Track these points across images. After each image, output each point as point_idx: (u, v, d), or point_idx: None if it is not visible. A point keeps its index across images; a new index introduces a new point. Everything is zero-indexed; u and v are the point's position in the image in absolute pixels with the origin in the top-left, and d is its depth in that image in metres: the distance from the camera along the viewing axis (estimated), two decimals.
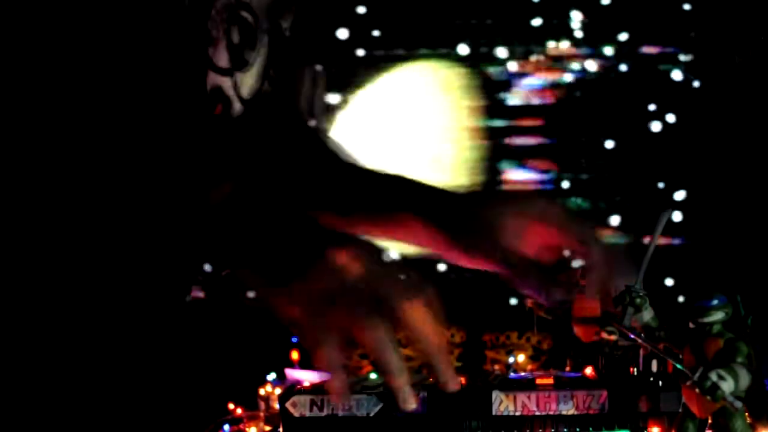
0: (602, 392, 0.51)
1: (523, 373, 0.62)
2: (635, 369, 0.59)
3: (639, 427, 0.50)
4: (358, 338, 0.54)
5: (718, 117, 1.99)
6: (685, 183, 2.00)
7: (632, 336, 0.50)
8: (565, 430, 0.51)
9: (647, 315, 0.49)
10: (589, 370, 0.58)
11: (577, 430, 0.51)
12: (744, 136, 1.93)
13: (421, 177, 0.61)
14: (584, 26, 2.05)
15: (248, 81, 0.69)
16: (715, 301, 0.45)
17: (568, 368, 0.67)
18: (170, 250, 0.63)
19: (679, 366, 0.46)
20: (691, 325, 0.46)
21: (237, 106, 0.68)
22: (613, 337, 0.62)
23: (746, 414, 0.45)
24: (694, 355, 0.45)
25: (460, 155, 1.97)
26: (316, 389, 0.55)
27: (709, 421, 0.45)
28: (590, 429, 0.51)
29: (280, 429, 0.54)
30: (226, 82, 0.66)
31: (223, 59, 0.65)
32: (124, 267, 0.65)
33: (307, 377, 0.60)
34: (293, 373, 0.62)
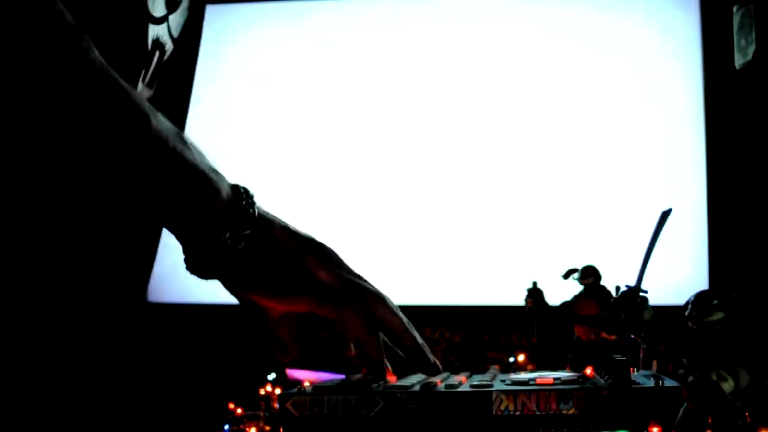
0: (602, 392, 0.51)
1: (523, 373, 0.62)
2: (635, 369, 0.59)
3: (639, 427, 0.50)
4: (382, 318, 0.60)
5: (716, 116, 1.99)
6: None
7: (632, 336, 0.50)
8: (565, 430, 0.51)
9: (647, 315, 0.49)
10: (589, 370, 0.58)
11: (577, 430, 0.51)
12: (742, 136, 1.93)
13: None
14: None
15: (178, 19, 0.68)
16: (716, 301, 0.45)
17: (568, 368, 0.67)
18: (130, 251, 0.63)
19: (678, 366, 0.46)
20: (691, 325, 0.46)
21: (169, 46, 0.68)
22: (613, 337, 0.62)
23: (746, 414, 0.45)
24: (694, 355, 0.45)
25: None
26: (316, 389, 0.55)
27: (709, 420, 0.45)
28: (590, 429, 0.51)
29: (280, 429, 0.54)
30: (161, 30, 0.65)
31: (159, 7, 0.64)
32: (103, 270, 0.65)
33: (307, 377, 0.60)
34: (293, 373, 0.62)
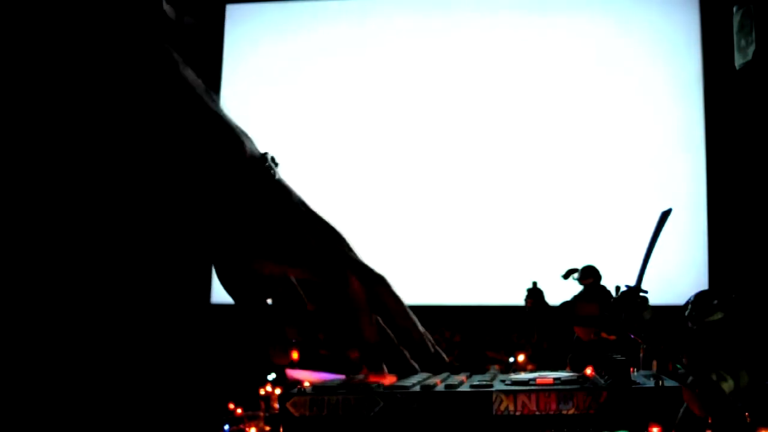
0: (602, 392, 0.51)
1: (523, 373, 0.62)
2: (635, 369, 0.59)
3: (639, 427, 0.50)
4: (384, 299, 0.60)
5: (715, 117, 1.99)
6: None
7: (632, 336, 0.50)
8: (565, 430, 0.51)
9: (647, 315, 0.49)
10: (589, 370, 0.58)
11: (577, 430, 0.51)
12: (742, 136, 1.93)
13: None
14: None
15: None
16: (716, 301, 0.45)
17: (568, 368, 0.67)
18: (167, 252, 0.63)
19: (678, 366, 0.46)
20: (691, 325, 0.46)
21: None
22: (613, 337, 0.62)
23: (746, 414, 0.45)
24: (694, 355, 0.45)
25: None
26: (316, 389, 0.55)
27: (709, 420, 0.45)
28: (590, 429, 0.51)
29: (280, 429, 0.54)
30: (168, 8, 0.66)
31: None
32: (125, 270, 0.65)
33: (307, 377, 0.60)
34: (293, 373, 0.62)
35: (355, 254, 0.62)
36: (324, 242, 0.60)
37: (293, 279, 0.59)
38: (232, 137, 0.57)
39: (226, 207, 0.56)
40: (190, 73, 0.55)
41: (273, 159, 0.60)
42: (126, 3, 0.52)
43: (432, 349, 0.63)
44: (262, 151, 0.60)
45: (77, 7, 0.49)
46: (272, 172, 0.59)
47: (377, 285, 0.60)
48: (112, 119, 0.52)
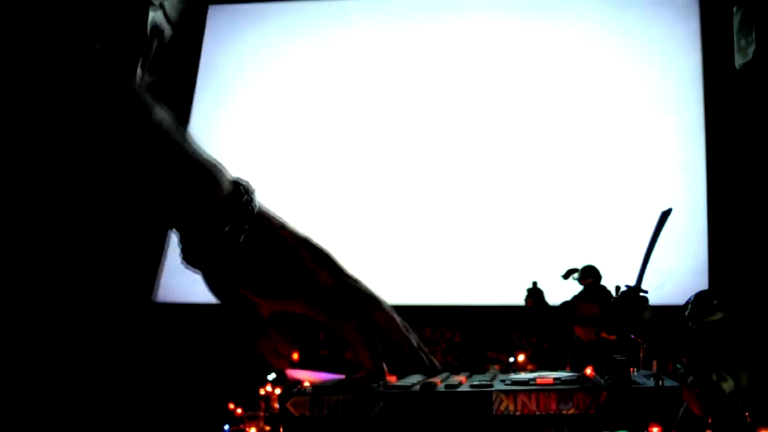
0: (602, 392, 0.51)
1: (523, 373, 0.62)
2: (635, 369, 0.59)
3: (639, 427, 0.50)
4: (378, 322, 0.60)
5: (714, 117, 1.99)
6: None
7: (632, 336, 0.50)
8: (565, 430, 0.51)
9: (647, 315, 0.49)
10: (589, 370, 0.58)
11: (577, 430, 0.51)
12: (742, 136, 1.93)
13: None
14: None
15: (174, 2, 0.67)
16: (716, 301, 0.45)
17: (568, 368, 0.67)
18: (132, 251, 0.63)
19: (679, 366, 0.46)
20: (691, 325, 0.46)
21: (167, 31, 0.67)
22: (613, 337, 0.62)
23: (746, 414, 0.45)
24: (694, 355, 0.45)
25: None
26: (316, 389, 0.55)
27: (709, 421, 0.45)
28: (590, 429, 0.51)
29: (280, 429, 0.54)
30: (158, 15, 0.65)
31: None
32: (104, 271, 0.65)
33: (307, 377, 0.60)
34: (293, 373, 0.62)
35: (345, 275, 0.62)
36: (315, 269, 0.60)
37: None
38: (209, 179, 0.56)
39: (205, 248, 0.56)
40: (162, 116, 0.53)
41: (246, 189, 0.59)
42: (101, 49, 0.50)
43: (427, 361, 0.63)
44: (235, 177, 0.59)
45: (51, 55, 0.47)
46: (251, 206, 0.58)
47: (370, 306, 0.61)
48: (87, 170, 0.51)
